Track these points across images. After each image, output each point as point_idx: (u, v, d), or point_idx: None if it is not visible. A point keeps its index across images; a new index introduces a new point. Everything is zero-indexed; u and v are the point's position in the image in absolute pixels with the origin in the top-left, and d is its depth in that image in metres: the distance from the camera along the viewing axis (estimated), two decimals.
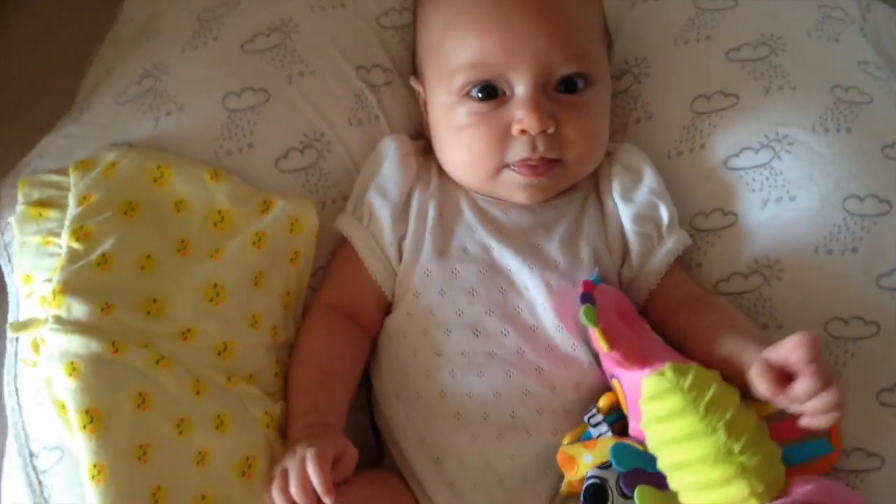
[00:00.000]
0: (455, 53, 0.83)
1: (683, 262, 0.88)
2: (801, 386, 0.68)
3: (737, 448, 0.67)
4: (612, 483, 0.72)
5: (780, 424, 0.72)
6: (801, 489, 0.68)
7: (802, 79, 0.90)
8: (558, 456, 0.77)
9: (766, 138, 0.89)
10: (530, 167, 0.82)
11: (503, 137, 0.82)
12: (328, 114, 0.90)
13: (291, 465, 0.73)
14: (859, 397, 0.80)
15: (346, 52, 0.92)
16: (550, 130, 0.81)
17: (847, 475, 0.78)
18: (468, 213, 0.86)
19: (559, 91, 0.82)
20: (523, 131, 0.81)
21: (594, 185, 0.90)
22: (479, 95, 0.82)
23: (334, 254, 0.88)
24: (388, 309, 0.87)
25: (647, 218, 0.86)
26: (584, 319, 0.74)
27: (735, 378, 0.72)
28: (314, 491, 0.71)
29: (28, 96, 1.10)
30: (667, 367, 0.70)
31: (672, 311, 0.84)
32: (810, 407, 0.68)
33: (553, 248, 0.84)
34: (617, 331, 0.75)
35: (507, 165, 0.83)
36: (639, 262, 0.86)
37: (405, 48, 0.95)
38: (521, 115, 0.80)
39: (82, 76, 1.00)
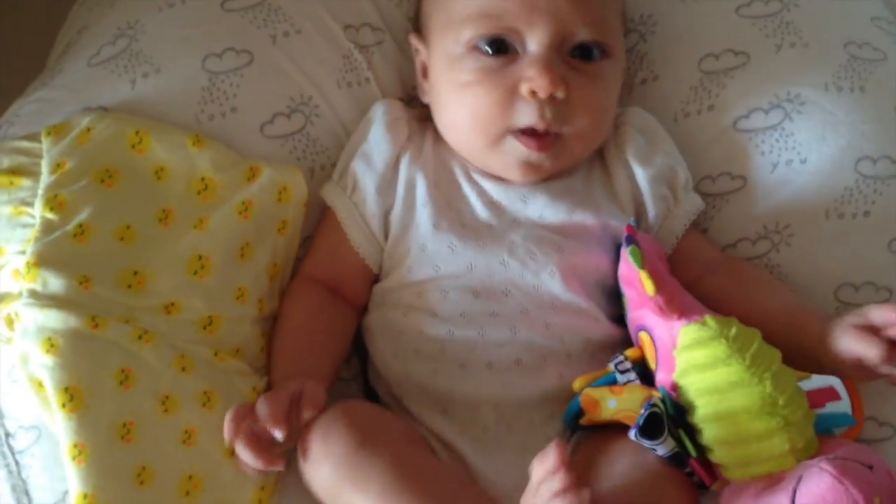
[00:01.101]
0: (464, 3, 0.80)
1: (696, 227, 0.86)
2: None
3: (781, 401, 0.66)
4: (665, 418, 0.70)
5: (808, 393, 0.71)
6: (841, 450, 0.67)
7: (815, 35, 0.88)
8: (582, 397, 0.75)
9: (777, 98, 0.86)
10: (536, 139, 0.79)
11: (510, 98, 0.78)
12: (315, 76, 0.86)
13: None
14: None
15: (333, 10, 0.88)
16: (561, 95, 0.77)
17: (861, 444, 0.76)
18: (466, 187, 0.83)
19: (574, 56, 0.79)
20: (533, 93, 0.77)
21: (599, 154, 0.86)
22: (489, 50, 0.78)
23: (319, 222, 0.86)
24: (374, 279, 0.84)
25: (663, 180, 0.85)
26: (631, 259, 0.73)
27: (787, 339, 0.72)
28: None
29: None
30: (707, 317, 0.69)
31: (696, 275, 0.82)
32: None
33: (560, 218, 0.81)
34: (661, 275, 0.74)
35: (510, 131, 0.79)
36: (657, 224, 0.84)
37: (396, 6, 0.92)
38: (531, 74, 0.76)
39: (54, 38, 0.96)
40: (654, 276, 0.72)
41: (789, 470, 0.67)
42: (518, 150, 0.80)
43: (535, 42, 0.78)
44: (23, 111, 0.83)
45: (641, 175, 0.84)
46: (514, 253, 0.80)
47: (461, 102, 0.80)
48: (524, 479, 0.72)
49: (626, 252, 0.74)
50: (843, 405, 0.72)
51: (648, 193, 0.83)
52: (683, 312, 0.72)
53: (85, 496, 0.69)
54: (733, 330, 0.68)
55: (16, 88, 0.90)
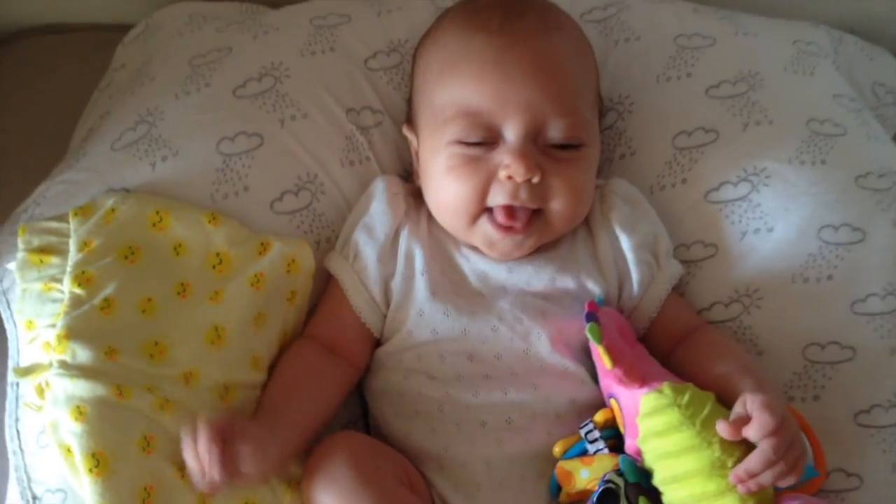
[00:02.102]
0: (450, 97, 0.86)
1: (679, 290, 0.92)
2: (754, 458, 0.71)
3: (730, 462, 0.71)
4: (622, 491, 0.75)
5: None
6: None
7: (779, 113, 0.94)
8: (556, 470, 0.80)
9: (745, 172, 0.92)
10: (508, 217, 0.84)
11: (488, 181, 0.84)
12: (320, 156, 0.92)
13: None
14: (838, 420, 0.84)
15: (336, 94, 0.95)
16: (535, 179, 0.83)
17: (828, 495, 0.82)
18: (457, 258, 0.89)
19: (551, 147, 0.85)
20: (510, 177, 0.82)
21: (584, 222, 0.91)
22: (470, 141, 0.84)
23: (323, 290, 0.91)
24: (375, 342, 0.89)
25: (647, 247, 0.90)
26: (589, 336, 0.78)
27: (730, 403, 0.75)
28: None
29: (21, 142, 1.11)
30: (665, 385, 0.74)
31: (674, 342, 0.87)
32: (764, 479, 0.71)
33: (544, 285, 0.87)
34: (619, 349, 0.78)
35: (487, 210, 0.85)
36: (640, 291, 0.89)
37: (394, 89, 0.98)
38: (508, 161, 0.83)
39: (75, 121, 1.03)
40: (612, 350, 0.77)
41: None
42: (490, 232, 0.85)
43: (511, 132, 0.83)
44: (49, 192, 0.88)
45: (626, 242, 0.88)
46: (503, 319, 0.85)
47: (445, 184, 0.86)
48: None
49: (586, 329, 0.78)
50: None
51: (633, 260, 0.88)
52: (644, 381, 0.77)
53: None
54: (686, 397, 0.72)
55: (38, 169, 0.95)
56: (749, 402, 0.72)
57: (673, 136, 0.95)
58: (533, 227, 0.85)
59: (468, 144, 0.85)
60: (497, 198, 0.84)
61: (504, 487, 0.82)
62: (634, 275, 0.88)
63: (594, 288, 0.87)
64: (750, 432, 0.71)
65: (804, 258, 0.89)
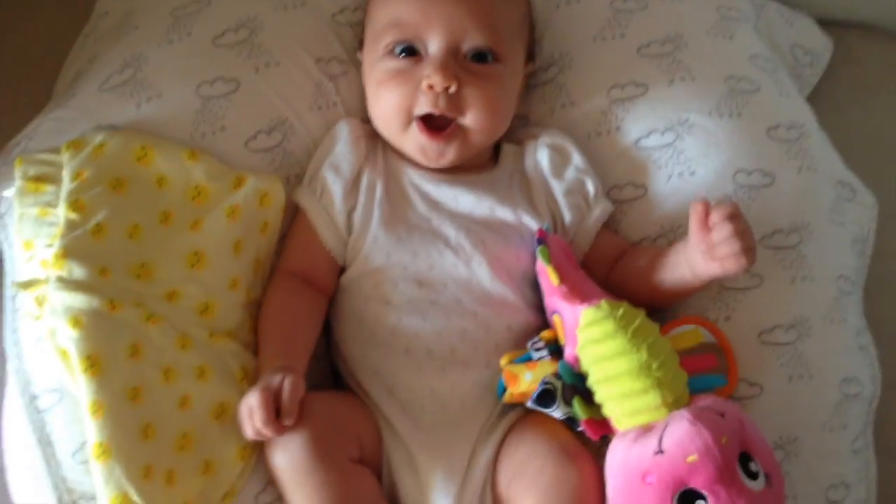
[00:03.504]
0: (384, 14, 0.96)
1: (610, 226, 1.01)
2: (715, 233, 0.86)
3: (654, 365, 0.81)
4: (559, 390, 0.85)
5: (688, 359, 0.87)
6: (703, 402, 0.82)
7: (701, 71, 1.03)
8: (503, 373, 0.90)
9: (671, 122, 1.01)
10: (431, 128, 0.93)
11: (414, 92, 0.94)
12: (291, 101, 1.00)
13: (246, 402, 0.83)
14: (744, 338, 0.94)
15: (306, 46, 1.02)
16: (453, 89, 0.92)
17: (733, 401, 0.90)
18: (410, 189, 0.98)
19: (469, 60, 0.94)
20: (431, 87, 0.92)
21: (520, 165, 1.01)
22: (400, 53, 0.94)
23: (292, 223, 0.99)
24: (341, 270, 0.98)
25: (576, 192, 0.99)
26: (539, 256, 0.88)
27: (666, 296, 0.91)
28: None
29: (6, 83, 1.17)
30: (603, 301, 0.84)
31: (608, 267, 0.97)
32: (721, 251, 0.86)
33: (483, 216, 0.96)
34: (565, 269, 0.89)
35: (414, 119, 0.94)
36: (573, 229, 0.98)
37: (358, 42, 1.06)
38: (428, 72, 0.92)
39: (57, 64, 1.08)
40: (559, 270, 0.88)
41: (662, 419, 0.81)
42: (419, 138, 0.95)
43: (434, 45, 0.93)
44: (41, 128, 0.95)
45: (556, 187, 0.98)
46: (448, 244, 0.94)
47: (379, 97, 0.96)
48: (457, 455, 0.87)
49: (536, 251, 0.89)
50: (717, 371, 0.88)
51: (563, 203, 0.98)
52: (585, 298, 0.87)
53: (101, 444, 0.81)
54: (620, 311, 0.83)
55: (21, 108, 1.02)
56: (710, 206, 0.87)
57: (608, 89, 1.03)
58: (453, 138, 0.95)
59: (397, 56, 0.94)
60: (422, 107, 0.94)
61: (445, 410, 0.91)
62: (566, 216, 0.98)
63: (530, 223, 0.97)
64: (714, 215, 0.86)
65: (720, 198, 0.97)
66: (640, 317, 0.84)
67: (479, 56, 0.95)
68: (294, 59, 1.02)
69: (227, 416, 0.87)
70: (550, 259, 0.89)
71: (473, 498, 0.89)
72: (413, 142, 0.96)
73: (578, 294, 0.88)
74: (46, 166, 0.91)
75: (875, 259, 1.07)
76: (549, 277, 0.89)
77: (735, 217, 0.86)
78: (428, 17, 0.93)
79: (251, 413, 0.82)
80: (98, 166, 0.90)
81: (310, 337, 0.94)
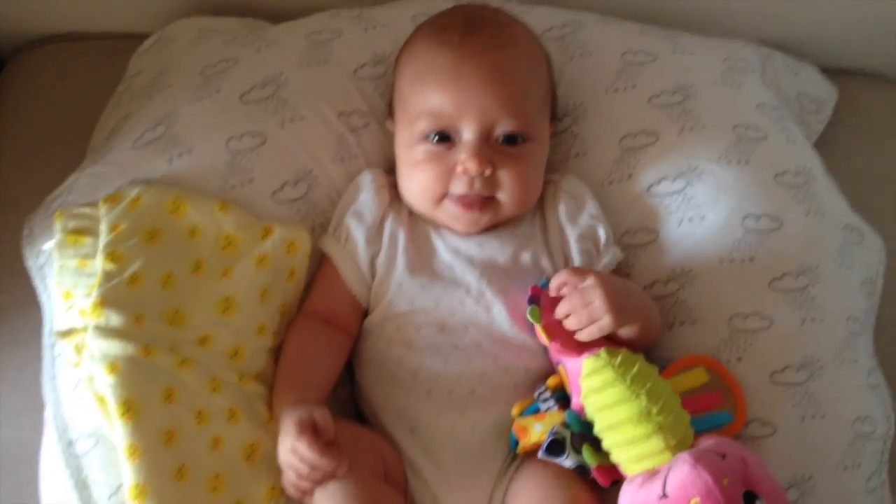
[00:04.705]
0: (419, 102, 1.00)
1: (620, 273, 1.05)
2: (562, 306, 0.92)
3: (655, 410, 0.83)
4: (568, 439, 0.88)
5: (691, 399, 0.89)
6: (705, 443, 0.84)
7: (710, 120, 1.07)
8: (514, 426, 0.92)
9: (681, 169, 1.05)
10: (466, 203, 0.99)
11: (448, 174, 0.98)
12: (315, 153, 1.04)
13: (290, 459, 0.85)
14: (757, 378, 0.96)
15: (329, 100, 1.07)
16: (487, 173, 0.97)
17: (747, 441, 0.94)
18: (434, 238, 1.02)
19: (501, 143, 0.99)
20: (465, 171, 0.97)
21: (540, 209, 1.06)
22: (435, 139, 0.99)
23: (317, 270, 1.03)
24: (364, 313, 1.01)
25: (588, 238, 1.03)
26: (529, 317, 0.92)
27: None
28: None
29: (41, 142, 1.21)
30: (602, 350, 0.87)
31: None
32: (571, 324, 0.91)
33: (504, 262, 1.00)
34: (556, 326, 0.92)
35: (447, 196, 0.99)
36: None
37: (379, 95, 1.11)
38: (464, 158, 0.97)
39: (91, 123, 1.13)
40: (549, 327, 0.92)
41: (666, 463, 0.82)
42: (453, 210, 0.99)
43: (468, 133, 0.97)
44: (79, 183, 0.99)
45: (570, 233, 1.02)
46: (470, 292, 0.98)
47: (413, 175, 1.00)
48: (473, 492, 0.90)
49: (527, 311, 0.93)
50: (724, 409, 0.91)
51: (575, 248, 1.01)
52: (581, 349, 0.90)
53: (137, 486, 0.84)
54: (619, 358, 0.86)
55: (57, 164, 1.07)
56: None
57: (620, 139, 1.08)
58: (487, 208, 1.00)
59: (432, 142, 0.99)
60: (457, 188, 0.98)
61: (466, 450, 0.94)
62: (576, 261, 1.01)
63: (547, 266, 1.01)
64: (553, 281, 0.94)
65: (730, 243, 1.01)
66: (638, 363, 0.87)
67: (510, 139, 0.99)
68: (317, 113, 1.06)
69: (256, 456, 0.90)
70: (541, 318, 0.93)
71: None
72: (446, 214, 1.00)
73: (573, 346, 0.92)
74: (85, 220, 0.95)
75: (885, 300, 1.09)
76: (541, 336, 0.92)
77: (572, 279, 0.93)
78: (462, 108, 0.97)
79: (306, 462, 0.85)
80: (133, 219, 0.94)
81: (329, 373, 0.97)
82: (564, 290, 0.93)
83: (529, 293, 0.95)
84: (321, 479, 0.86)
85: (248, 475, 0.90)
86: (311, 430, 0.86)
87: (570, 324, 0.92)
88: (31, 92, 1.26)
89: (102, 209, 0.95)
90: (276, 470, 0.91)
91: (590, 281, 0.92)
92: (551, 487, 0.89)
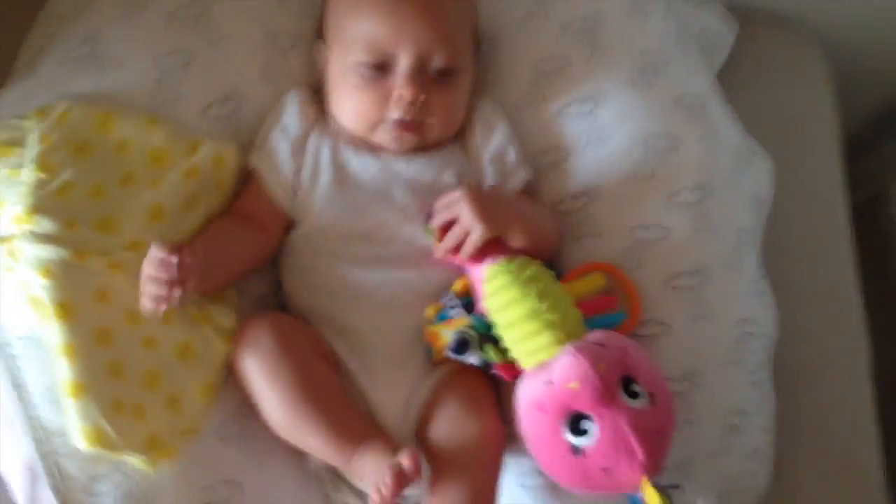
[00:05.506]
0: (354, 29, 1.04)
1: (530, 190, 1.12)
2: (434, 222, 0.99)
3: (544, 308, 0.91)
4: (473, 339, 0.95)
5: (587, 302, 0.98)
6: (590, 337, 0.92)
7: (617, 48, 1.13)
8: (426, 334, 1.00)
9: (589, 93, 1.11)
10: (402, 125, 1.04)
11: (384, 100, 1.03)
12: (243, 72, 1.07)
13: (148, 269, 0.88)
14: (653, 284, 1.05)
15: (257, 20, 1.10)
16: (421, 99, 1.03)
17: (643, 339, 1.03)
18: (362, 156, 1.06)
19: (433, 74, 1.04)
20: (402, 97, 1.02)
21: (460, 133, 1.11)
22: (371, 65, 1.03)
23: (244, 184, 1.06)
24: (286, 224, 1.05)
25: (499, 158, 1.09)
26: (426, 234, 1.00)
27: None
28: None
29: None
30: (501, 258, 0.95)
31: None
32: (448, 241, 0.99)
33: (429, 180, 1.06)
34: None
35: (383, 121, 1.04)
36: None
37: (306, 18, 1.14)
38: (400, 84, 1.02)
39: (16, 44, 1.13)
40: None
41: (556, 355, 0.90)
42: (389, 133, 1.05)
43: (404, 60, 1.03)
44: (6, 98, 1.01)
45: (484, 154, 1.09)
46: (395, 205, 1.04)
47: (350, 100, 1.05)
48: (398, 390, 0.97)
49: (424, 229, 1.00)
50: (618, 311, 0.99)
51: (488, 168, 1.08)
52: (481, 259, 0.97)
53: (74, 383, 0.88)
54: (514, 264, 0.94)
55: None
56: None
57: (534, 63, 1.13)
58: (418, 131, 1.06)
59: (369, 68, 1.03)
60: (392, 113, 1.04)
61: (390, 350, 1.01)
62: (489, 178, 1.08)
63: (466, 181, 1.07)
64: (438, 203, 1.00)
65: (633, 160, 1.07)
66: (531, 268, 0.95)
67: (443, 72, 1.04)
68: (246, 33, 1.09)
69: (189, 355, 0.95)
70: (436, 234, 1.00)
71: (410, 432, 0.99)
72: (380, 135, 1.05)
73: (475, 257, 0.99)
74: (15, 131, 0.96)
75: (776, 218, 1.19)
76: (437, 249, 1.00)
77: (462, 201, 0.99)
78: (399, 37, 1.01)
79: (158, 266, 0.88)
80: (63, 131, 0.96)
81: (239, 256, 1.02)
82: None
83: (427, 212, 1.02)
84: (178, 280, 0.88)
85: (182, 373, 0.95)
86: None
87: (446, 242, 0.99)
88: None
89: (32, 122, 0.97)
90: (209, 367, 0.96)
91: (454, 195, 0.99)
92: (455, 397, 0.98)
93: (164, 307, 0.90)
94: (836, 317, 1.26)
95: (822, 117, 1.38)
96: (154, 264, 0.89)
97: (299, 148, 1.06)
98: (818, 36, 1.42)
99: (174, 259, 0.88)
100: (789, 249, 1.25)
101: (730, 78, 1.29)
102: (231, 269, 1.02)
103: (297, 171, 1.06)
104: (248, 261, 1.04)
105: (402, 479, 0.88)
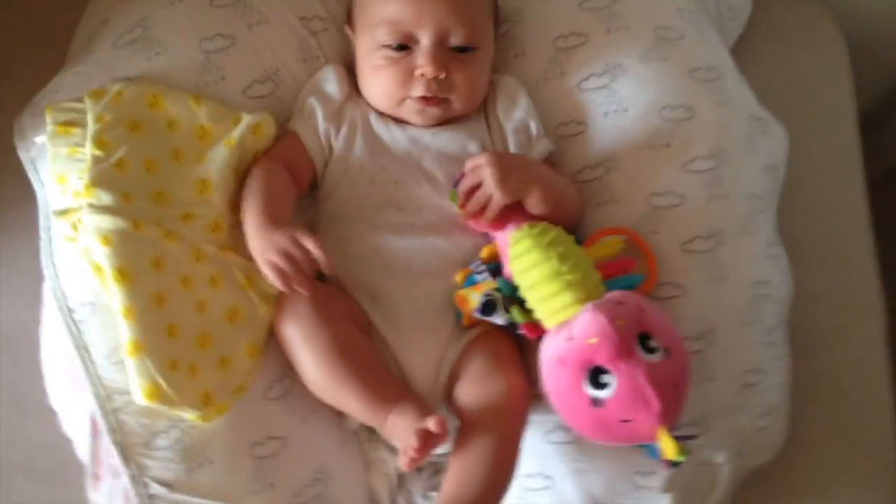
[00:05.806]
0: (378, 12, 1.10)
1: (551, 161, 1.17)
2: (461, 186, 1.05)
3: (564, 269, 0.97)
4: (499, 301, 1.01)
5: (608, 264, 1.03)
6: (609, 296, 0.98)
7: (633, 22, 1.17)
8: (455, 297, 1.06)
9: (607, 66, 1.15)
10: (425, 100, 1.10)
11: (407, 78, 1.09)
12: (280, 53, 1.14)
13: (288, 247, 0.97)
14: (670, 248, 1.09)
15: (291, 6, 1.17)
16: (442, 76, 1.08)
17: (661, 301, 1.07)
18: (392, 128, 1.13)
19: (453, 50, 1.09)
20: (423, 74, 1.08)
21: (483, 106, 1.18)
22: (393, 45, 1.09)
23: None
24: (314, 180, 1.11)
25: (521, 131, 1.15)
26: (449, 199, 1.06)
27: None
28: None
29: (23, 47, 1.31)
30: (525, 224, 1.00)
31: None
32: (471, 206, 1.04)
33: (455, 152, 1.12)
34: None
35: (408, 97, 1.10)
36: None
37: (337, 2, 1.20)
38: (422, 62, 1.08)
39: (70, 29, 1.21)
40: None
41: (577, 314, 0.95)
42: (414, 107, 1.11)
43: (425, 39, 1.08)
44: (64, 82, 1.08)
45: (507, 126, 1.13)
46: (426, 174, 1.11)
47: (375, 79, 1.10)
48: (429, 354, 1.03)
49: (449, 193, 1.05)
50: (636, 273, 1.04)
51: (511, 140, 1.13)
52: (504, 225, 1.02)
53: (133, 342, 0.94)
54: (536, 229, 0.99)
55: (40, 69, 1.15)
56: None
57: (553, 39, 1.17)
58: (441, 106, 1.11)
59: (392, 48, 1.09)
60: (416, 91, 1.10)
61: (422, 315, 1.05)
62: (513, 148, 1.14)
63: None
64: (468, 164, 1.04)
65: (650, 131, 1.11)
66: (553, 232, 1.00)
67: (462, 48, 1.09)
68: (281, 17, 1.15)
69: (237, 318, 1.02)
70: (459, 201, 1.05)
71: (440, 393, 1.06)
72: (406, 111, 1.11)
73: (493, 225, 1.04)
74: (73, 113, 1.04)
75: (790, 186, 1.23)
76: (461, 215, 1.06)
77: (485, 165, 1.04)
78: (419, 17, 1.06)
79: (291, 257, 0.96)
80: (117, 111, 1.03)
81: (290, 205, 1.07)
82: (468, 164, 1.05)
83: (458, 177, 1.08)
84: (307, 271, 0.97)
85: (231, 335, 1.00)
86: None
87: (470, 207, 1.04)
88: (10, 1, 1.33)
89: (88, 103, 1.04)
90: (256, 330, 1.03)
91: (478, 160, 1.04)
92: (483, 357, 1.04)
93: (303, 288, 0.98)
94: (851, 282, 1.30)
95: (838, 88, 1.42)
96: (295, 250, 0.97)
97: (335, 114, 1.12)
98: (833, 7, 1.45)
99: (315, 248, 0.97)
100: (807, 217, 1.29)
101: (745, 50, 1.34)
102: (287, 214, 1.06)
103: (331, 136, 1.11)
104: (293, 202, 1.09)
105: (428, 442, 0.95)
